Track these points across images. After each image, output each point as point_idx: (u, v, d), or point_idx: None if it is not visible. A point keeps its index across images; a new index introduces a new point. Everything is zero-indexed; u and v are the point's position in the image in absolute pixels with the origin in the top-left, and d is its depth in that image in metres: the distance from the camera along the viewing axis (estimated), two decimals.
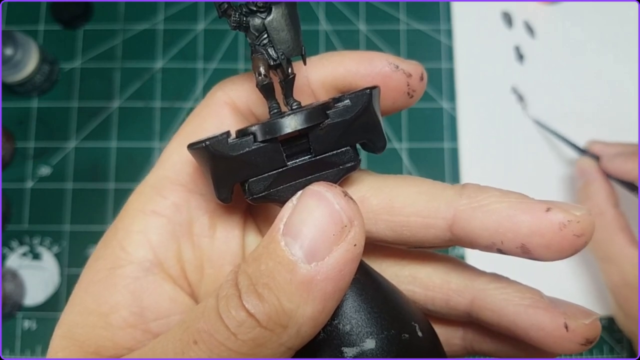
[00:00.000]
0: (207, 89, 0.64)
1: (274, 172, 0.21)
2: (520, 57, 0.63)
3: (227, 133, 0.21)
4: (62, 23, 0.64)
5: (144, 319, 0.22)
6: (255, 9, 0.22)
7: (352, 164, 0.22)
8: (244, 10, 0.22)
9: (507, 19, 0.65)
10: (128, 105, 0.63)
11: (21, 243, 0.60)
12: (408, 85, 0.24)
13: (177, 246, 0.23)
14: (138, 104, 0.63)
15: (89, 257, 0.24)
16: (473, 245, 0.22)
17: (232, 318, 0.18)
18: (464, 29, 0.64)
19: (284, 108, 0.23)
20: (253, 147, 0.21)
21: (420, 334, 0.22)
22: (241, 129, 0.21)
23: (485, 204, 0.22)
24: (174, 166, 0.23)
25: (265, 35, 0.22)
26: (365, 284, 0.21)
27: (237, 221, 0.24)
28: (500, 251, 0.22)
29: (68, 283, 0.60)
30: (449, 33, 0.64)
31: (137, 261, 0.23)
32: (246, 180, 0.21)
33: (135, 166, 0.62)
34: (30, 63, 0.59)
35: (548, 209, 0.21)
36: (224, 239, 0.24)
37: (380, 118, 0.23)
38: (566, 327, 0.22)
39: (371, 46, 0.64)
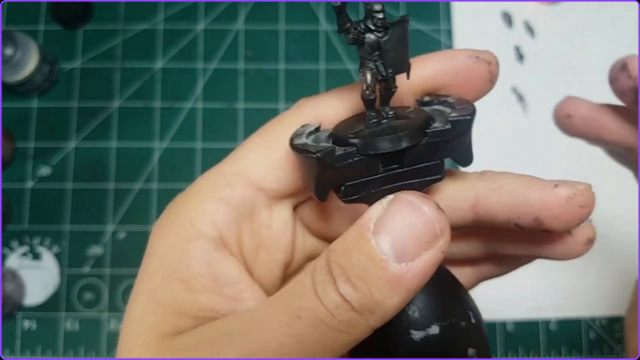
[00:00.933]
0: (207, 89, 0.64)
1: (368, 178, 0.24)
2: (520, 57, 0.63)
3: (333, 146, 0.23)
4: (62, 23, 0.64)
5: (219, 285, 0.25)
6: (373, 28, 0.23)
7: (439, 176, 0.25)
8: (362, 27, 0.23)
9: (507, 19, 0.65)
10: (128, 105, 0.63)
11: (21, 243, 0.60)
12: (490, 72, 0.27)
13: (238, 231, 0.26)
14: (138, 104, 0.63)
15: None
16: (493, 222, 0.26)
17: (330, 300, 0.21)
18: (464, 29, 0.64)
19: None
20: (355, 159, 0.23)
21: (473, 320, 0.25)
22: (339, 136, 0.24)
23: (502, 185, 0.26)
24: (247, 164, 0.26)
25: (378, 53, 0.24)
26: (433, 276, 0.23)
27: (289, 217, 0.28)
28: (517, 226, 0.25)
29: (68, 283, 0.60)
30: (449, 33, 0.64)
31: (207, 237, 0.26)
32: (343, 183, 0.24)
33: (135, 166, 0.62)
34: (30, 63, 0.59)
35: (555, 185, 0.25)
36: (279, 232, 0.27)
37: (471, 138, 0.25)
38: (570, 233, 0.26)
39: None
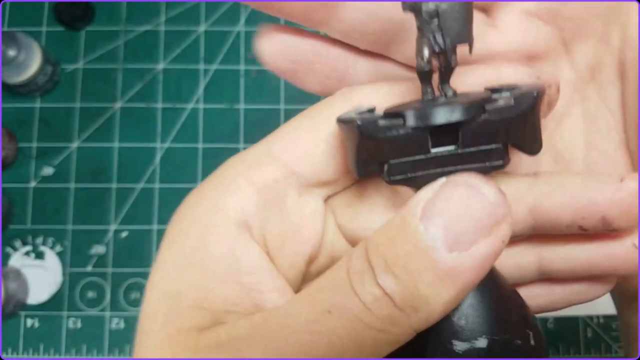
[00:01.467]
0: (208, 89, 0.64)
1: (416, 157, 0.21)
2: None
3: (378, 114, 0.21)
4: (64, 24, 0.65)
5: (239, 272, 0.23)
6: None
7: (500, 162, 0.21)
8: None
9: None
10: (130, 105, 0.64)
11: (24, 242, 0.61)
12: (549, 95, 0.24)
13: (265, 217, 0.24)
14: (140, 104, 0.64)
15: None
16: (555, 227, 0.23)
17: (368, 293, 0.19)
18: None
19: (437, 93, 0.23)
20: (401, 132, 0.20)
21: (532, 342, 0.21)
22: (391, 110, 0.21)
23: (562, 185, 0.23)
24: (282, 144, 0.24)
25: (437, 21, 0.21)
26: (487, 279, 0.20)
27: (320, 208, 0.25)
28: (582, 228, 0.23)
29: (70, 282, 0.60)
30: None
31: (232, 219, 0.24)
32: (386, 161, 0.21)
33: (137, 166, 0.62)
34: (32, 64, 0.59)
35: (622, 179, 0.22)
36: (308, 222, 0.25)
37: (540, 121, 0.22)
38: (635, 246, 0.23)
39: None
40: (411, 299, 0.19)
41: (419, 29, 0.21)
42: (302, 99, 0.67)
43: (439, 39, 0.21)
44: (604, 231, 0.23)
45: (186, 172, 0.62)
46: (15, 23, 0.65)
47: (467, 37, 0.22)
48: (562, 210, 0.23)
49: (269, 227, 0.24)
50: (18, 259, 0.60)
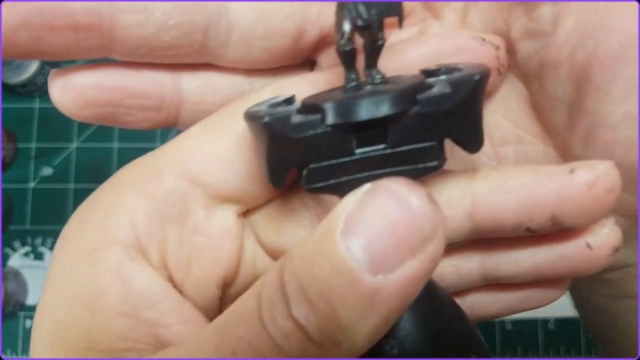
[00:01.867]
0: None
1: (339, 160, 0.18)
2: None
3: (291, 110, 0.18)
4: None
5: (135, 306, 0.20)
6: None
7: (436, 163, 0.18)
8: None
9: None
10: None
11: (23, 243, 0.61)
12: (498, 58, 0.21)
13: (162, 236, 0.21)
14: None
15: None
16: (499, 230, 0.21)
17: (278, 328, 0.16)
18: None
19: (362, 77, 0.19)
20: (319, 131, 0.17)
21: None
22: (308, 102, 0.18)
23: (504, 182, 0.20)
24: (185, 150, 0.21)
25: None
26: (421, 296, 0.17)
27: (234, 223, 0.22)
28: (529, 230, 0.20)
29: None
30: None
31: (120, 243, 0.20)
32: (305, 165, 0.18)
33: None
34: (32, 64, 0.59)
35: (572, 170, 0.20)
36: (219, 240, 0.21)
37: (482, 112, 0.19)
38: (589, 246, 0.21)
39: None
40: (330, 330, 0.16)
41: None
42: None
43: (362, 10, 0.17)
44: (555, 231, 0.21)
45: None
46: None
47: (396, 7, 0.18)
48: (506, 211, 0.20)
49: (170, 248, 0.21)
50: (17, 260, 0.60)
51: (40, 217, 0.61)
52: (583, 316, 0.31)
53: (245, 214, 0.22)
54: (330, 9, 0.22)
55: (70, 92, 0.23)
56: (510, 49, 0.23)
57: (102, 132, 0.63)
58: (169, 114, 0.23)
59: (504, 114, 0.25)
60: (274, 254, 0.23)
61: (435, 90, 0.18)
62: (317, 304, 0.16)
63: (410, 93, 0.17)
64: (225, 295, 0.22)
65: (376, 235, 0.16)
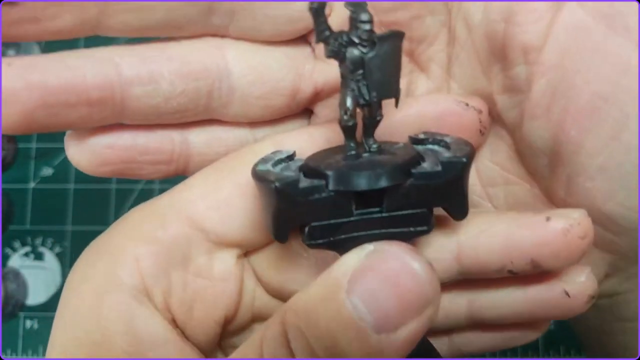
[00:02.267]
0: None
1: (339, 220, 0.20)
2: None
3: (298, 175, 0.20)
4: None
5: (140, 347, 0.21)
6: (357, 41, 0.19)
7: (425, 228, 0.21)
8: (344, 40, 0.19)
9: None
10: None
11: (23, 243, 0.61)
12: (480, 122, 0.23)
13: (166, 281, 0.22)
14: None
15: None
16: (483, 272, 0.23)
17: None
18: None
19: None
20: (323, 195, 0.19)
21: None
22: (310, 166, 0.20)
23: (486, 228, 0.22)
24: (188, 198, 0.22)
25: (361, 71, 0.20)
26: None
27: (234, 266, 0.23)
28: (511, 272, 0.22)
29: None
30: None
31: (127, 287, 0.21)
32: (307, 223, 0.20)
33: None
34: None
35: (548, 219, 0.22)
36: (220, 283, 0.23)
37: (468, 186, 0.21)
38: (567, 294, 0.23)
39: None
40: None
41: (343, 78, 0.20)
42: None
43: (364, 92, 0.20)
44: (535, 273, 0.22)
45: None
46: None
47: (394, 91, 0.20)
48: (489, 255, 0.22)
49: (173, 291, 0.22)
50: (17, 260, 0.60)
51: (41, 217, 0.61)
52: (579, 334, 0.32)
53: (246, 253, 0.24)
54: (323, 66, 0.24)
55: (85, 153, 0.24)
56: (492, 99, 0.25)
57: None
58: (179, 165, 0.25)
59: (491, 158, 0.26)
60: (274, 292, 0.24)
61: (427, 166, 0.20)
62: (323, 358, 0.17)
63: (405, 167, 0.20)
64: (224, 331, 0.24)
65: (382, 297, 0.17)
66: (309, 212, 0.20)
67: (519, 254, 0.22)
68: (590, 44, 0.21)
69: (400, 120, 0.23)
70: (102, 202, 0.62)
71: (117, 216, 0.63)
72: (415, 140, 0.23)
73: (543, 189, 0.25)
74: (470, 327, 0.25)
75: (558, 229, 0.21)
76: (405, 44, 0.24)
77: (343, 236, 0.20)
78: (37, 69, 0.23)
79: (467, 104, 0.23)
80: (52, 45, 0.65)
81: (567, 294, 0.23)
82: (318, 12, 0.19)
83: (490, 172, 0.26)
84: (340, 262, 0.18)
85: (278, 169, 0.21)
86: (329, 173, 0.19)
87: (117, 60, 0.25)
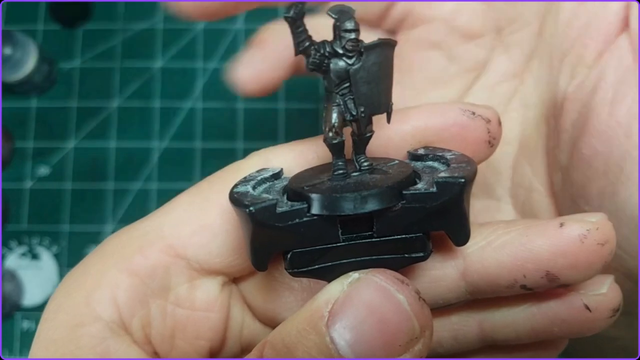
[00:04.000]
0: (206, 88, 0.64)
1: (324, 246, 0.18)
2: None
3: (276, 199, 0.18)
4: (61, 22, 0.64)
5: None
6: (341, 52, 0.18)
7: (421, 254, 0.19)
8: (327, 51, 0.18)
9: None
10: (127, 105, 0.63)
11: (20, 243, 0.60)
12: (489, 132, 0.21)
13: (145, 311, 0.20)
14: (137, 103, 0.63)
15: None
16: (494, 289, 0.20)
17: None
18: None
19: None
20: (305, 219, 0.17)
21: None
22: (293, 187, 0.18)
23: (493, 239, 0.20)
24: (168, 223, 0.21)
25: (347, 84, 0.18)
26: None
27: (218, 294, 0.21)
28: (525, 287, 0.20)
29: None
30: None
31: (103, 320, 0.20)
32: (289, 250, 0.18)
33: (135, 166, 0.62)
34: (29, 62, 0.59)
35: (561, 224, 0.19)
36: (203, 312, 0.21)
37: (469, 208, 0.19)
38: (587, 308, 0.20)
39: None
40: None
41: (327, 91, 0.18)
42: (302, 97, 0.66)
43: (351, 106, 0.18)
44: (551, 288, 0.20)
45: (184, 172, 0.62)
46: (12, 21, 0.64)
47: (385, 105, 0.19)
48: (499, 269, 0.20)
49: (153, 322, 0.21)
50: (14, 260, 0.60)
51: (37, 217, 0.61)
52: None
53: (235, 279, 0.22)
54: None
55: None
56: (561, 106, 0.23)
57: (99, 131, 0.62)
58: None
59: (530, 161, 0.25)
60: (265, 320, 0.22)
61: (421, 187, 0.18)
62: None
63: (396, 189, 0.17)
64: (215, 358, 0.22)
65: (363, 331, 0.15)
66: (289, 238, 0.18)
67: (532, 266, 0.19)
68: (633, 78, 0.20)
69: (398, 133, 0.21)
70: (99, 202, 0.61)
71: (114, 216, 0.63)
72: (414, 156, 0.21)
73: (557, 205, 0.24)
74: (482, 350, 0.23)
75: (573, 235, 0.19)
76: (495, 21, 0.22)
77: (329, 263, 0.18)
78: None
79: (473, 113, 0.21)
80: (50, 44, 0.65)
81: (587, 308, 0.20)
82: (295, 21, 0.17)
83: (523, 171, 0.25)
84: (323, 291, 0.17)
85: (260, 190, 0.19)
86: (312, 195, 0.17)
87: None
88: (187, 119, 0.63)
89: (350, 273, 0.17)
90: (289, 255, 0.18)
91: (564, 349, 0.25)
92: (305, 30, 0.18)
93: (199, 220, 0.20)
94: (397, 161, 0.20)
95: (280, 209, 0.17)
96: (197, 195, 0.21)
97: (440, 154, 0.20)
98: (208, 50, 0.64)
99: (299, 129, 0.62)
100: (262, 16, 0.67)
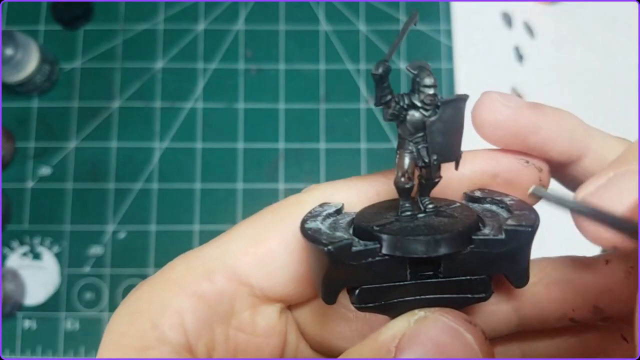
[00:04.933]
0: (207, 89, 0.64)
1: (392, 284, 0.19)
2: (520, 57, 0.64)
3: (351, 238, 0.19)
4: (62, 23, 0.64)
5: None
6: (420, 104, 0.19)
7: (484, 295, 0.19)
8: (406, 102, 0.19)
9: (507, 19, 0.65)
10: (128, 105, 0.63)
11: (21, 243, 0.60)
12: (540, 180, 0.22)
13: (210, 335, 0.21)
14: (138, 104, 0.63)
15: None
16: (543, 322, 0.21)
17: None
18: (464, 29, 0.65)
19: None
20: (377, 259, 0.18)
21: None
22: (362, 226, 0.19)
23: (544, 276, 0.21)
24: (234, 251, 0.21)
25: (422, 134, 0.19)
26: None
27: (277, 320, 0.22)
28: (573, 320, 0.21)
29: (68, 283, 0.60)
30: (449, 33, 0.64)
31: (170, 343, 0.20)
32: (357, 286, 0.19)
33: (136, 166, 0.62)
34: (30, 63, 0.59)
35: (607, 262, 0.20)
36: (264, 337, 0.22)
37: (530, 255, 0.20)
38: (625, 339, 0.22)
39: (371, 46, 0.64)
40: None
41: (401, 139, 0.20)
42: (302, 98, 0.66)
43: (424, 154, 0.19)
44: (596, 321, 0.21)
45: (185, 172, 0.62)
46: (13, 22, 0.65)
47: (454, 153, 0.20)
48: (551, 304, 0.21)
49: (217, 346, 0.21)
50: (15, 260, 0.60)
51: (39, 217, 0.61)
52: None
53: (290, 306, 0.23)
54: None
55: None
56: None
57: (100, 131, 0.63)
58: None
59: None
60: (318, 347, 0.23)
61: (489, 232, 0.19)
62: None
63: (466, 233, 0.19)
64: None
65: None
66: (361, 275, 0.19)
67: (582, 301, 0.20)
68: None
69: (457, 175, 0.22)
70: (100, 202, 0.61)
71: (115, 216, 0.64)
72: (471, 198, 0.22)
73: None
74: None
75: (619, 272, 0.20)
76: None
77: (395, 300, 0.19)
78: None
79: (527, 162, 0.22)
80: (51, 45, 0.65)
81: (624, 338, 0.21)
82: (381, 79, 0.19)
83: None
84: (388, 326, 0.18)
85: (327, 224, 0.20)
86: (384, 236, 0.19)
87: None
88: (188, 119, 0.63)
89: (415, 311, 0.18)
90: (357, 291, 0.19)
91: None
92: (389, 86, 0.19)
93: (263, 249, 0.21)
94: (458, 204, 0.21)
95: (355, 248, 0.18)
96: (261, 223, 0.22)
97: (498, 198, 0.21)
98: (208, 51, 0.64)
99: (299, 129, 0.63)
100: (262, 16, 0.68)
